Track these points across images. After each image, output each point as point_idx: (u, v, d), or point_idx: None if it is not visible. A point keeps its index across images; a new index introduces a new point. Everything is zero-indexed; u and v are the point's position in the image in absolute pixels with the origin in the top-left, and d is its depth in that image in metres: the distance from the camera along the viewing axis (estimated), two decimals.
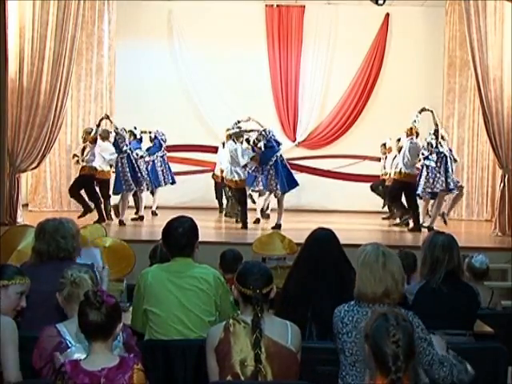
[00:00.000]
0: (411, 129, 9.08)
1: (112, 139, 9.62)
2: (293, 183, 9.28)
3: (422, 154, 9.16)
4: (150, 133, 10.56)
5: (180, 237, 3.45)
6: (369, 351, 2.27)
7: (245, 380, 2.79)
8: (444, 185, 9.06)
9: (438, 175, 9.06)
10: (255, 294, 2.87)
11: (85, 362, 2.50)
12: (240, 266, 3.08)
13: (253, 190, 9.76)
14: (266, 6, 12.44)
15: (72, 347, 2.78)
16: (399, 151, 9.77)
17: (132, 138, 9.99)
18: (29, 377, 2.86)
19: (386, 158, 10.88)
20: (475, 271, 4.77)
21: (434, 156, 9.11)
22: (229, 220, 10.21)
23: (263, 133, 9.19)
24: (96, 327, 2.52)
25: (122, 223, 9.23)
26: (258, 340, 2.79)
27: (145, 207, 10.23)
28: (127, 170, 9.35)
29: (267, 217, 10.13)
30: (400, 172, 9.15)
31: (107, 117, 9.78)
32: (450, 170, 9.11)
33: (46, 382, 2.74)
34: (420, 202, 9.44)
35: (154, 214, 10.60)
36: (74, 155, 10.04)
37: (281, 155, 9.26)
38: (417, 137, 9.13)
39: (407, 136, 9.17)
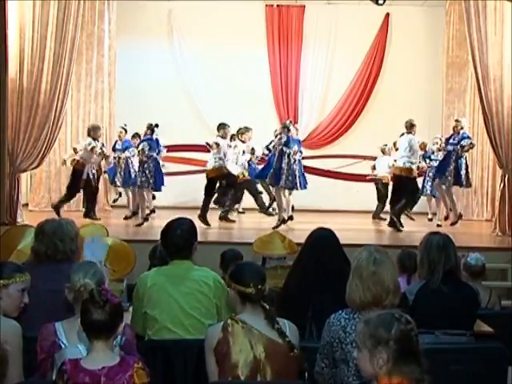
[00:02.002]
0: (412, 125, 9.13)
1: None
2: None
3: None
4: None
5: (178, 238, 3.45)
6: (389, 357, 2.18)
7: (244, 380, 2.79)
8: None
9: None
10: (257, 290, 2.88)
11: (85, 361, 2.50)
12: (233, 267, 3.08)
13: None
14: (266, 5, 12.43)
15: (65, 348, 2.77)
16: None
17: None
18: (29, 376, 2.86)
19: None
20: (472, 269, 4.77)
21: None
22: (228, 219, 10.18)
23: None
24: (99, 326, 2.52)
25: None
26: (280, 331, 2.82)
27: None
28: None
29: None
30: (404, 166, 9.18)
31: (156, 125, 9.59)
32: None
33: (45, 382, 2.74)
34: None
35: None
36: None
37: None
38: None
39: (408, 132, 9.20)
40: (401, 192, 9.28)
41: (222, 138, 9.37)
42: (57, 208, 9.31)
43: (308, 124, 12.51)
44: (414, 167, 9.15)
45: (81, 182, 9.44)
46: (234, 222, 9.92)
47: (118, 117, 11.52)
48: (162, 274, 3.47)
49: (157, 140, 9.52)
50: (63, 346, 2.79)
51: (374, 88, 12.54)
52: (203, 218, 9.06)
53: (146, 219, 9.35)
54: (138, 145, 9.63)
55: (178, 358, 3.23)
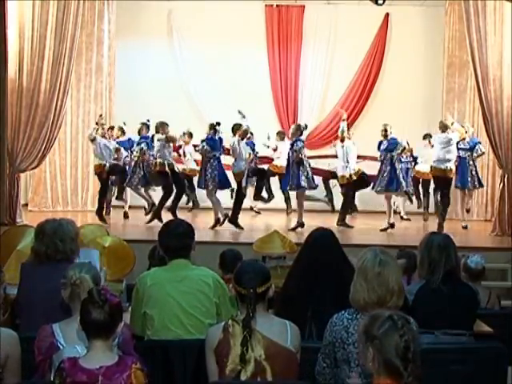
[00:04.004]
0: (446, 126, 9.23)
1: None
2: None
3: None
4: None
5: (177, 239, 3.46)
6: (374, 354, 2.21)
7: (245, 380, 2.79)
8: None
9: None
10: (249, 293, 2.86)
11: (83, 360, 2.50)
12: (237, 265, 3.08)
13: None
14: (266, 5, 12.43)
15: (63, 349, 2.77)
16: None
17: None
18: (29, 377, 2.86)
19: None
20: (471, 272, 4.77)
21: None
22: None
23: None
24: (98, 326, 2.52)
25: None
26: (246, 339, 2.78)
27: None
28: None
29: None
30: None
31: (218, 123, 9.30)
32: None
33: (45, 381, 2.74)
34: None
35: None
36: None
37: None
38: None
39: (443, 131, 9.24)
40: (444, 192, 9.29)
41: (242, 139, 9.17)
42: (157, 215, 9.00)
43: (308, 124, 12.49)
44: (453, 166, 9.19)
45: (170, 180, 9.30)
46: (352, 227, 9.44)
47: (117, 117, 11.51)
48: (161, 273, 3.48)
49: (220, 139, 9.29)
50: (61, 347, 2.79)
51: (373, 88, 12.55)
52: (234, 222, 8.91)
53: (219, 222, 9.00)
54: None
55: (178, 357, 3.23)
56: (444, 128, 9.19)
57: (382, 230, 9.12)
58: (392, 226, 9.13)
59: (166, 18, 12.36)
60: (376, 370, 2.22)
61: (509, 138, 8.92)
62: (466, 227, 9.74)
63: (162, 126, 9.28)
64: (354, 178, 9.52)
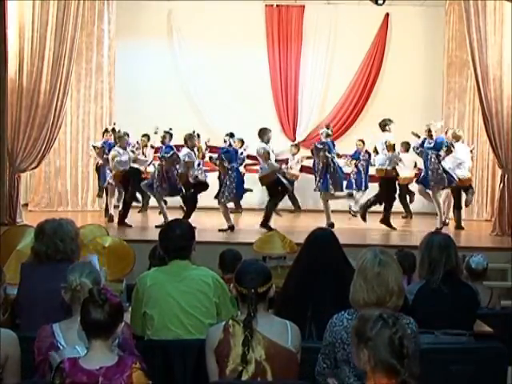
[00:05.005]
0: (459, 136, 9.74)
1: None
2: None
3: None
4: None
5: (177, 239, 3.48)
6: (369, 356, 2.20)
7: (245, 380, 2.79)
8: None
9: None
10: (250, 293, 2.86)
11: (83, 360, 2.49)
12: (238, 265, 3.08)
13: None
14: (266, 5, 12.43)
15: (63, 349, 2.76)
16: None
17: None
18: (29, 376, 2.86)
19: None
20: (472, 271, 4.78)
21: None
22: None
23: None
24: (98, 325, 2.51)
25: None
26: (247, 339, 2.78)
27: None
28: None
29: None
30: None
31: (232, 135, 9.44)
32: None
33: (45, 381, 2.74)
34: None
35: None
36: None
37: None
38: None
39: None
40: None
41: (266, 143, 9.18)
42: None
43: (308, 124, 12.52)
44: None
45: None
46: (395, 229, 9.41)
47: (117, 117, 11.52)
48: (161, 273, 3.48)
49: (235, 150, 9.35)
50: (61, 347, 2.78)
51: (373, 88, 12.55)
52: (265, 226, 8.90)
53: (231, 228, 9.05)
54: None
55: (178, 357, 3.23)
56: (458, 138, 9.58)
57: (437, 229, 8.77)
58: (445, 224, 9.13)
59: (166, 18, 12.37)
60: (371, 370, 2.21)
61: (509, 138, 8.92)
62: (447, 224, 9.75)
63: (190, 139, 9.27)
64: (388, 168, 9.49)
